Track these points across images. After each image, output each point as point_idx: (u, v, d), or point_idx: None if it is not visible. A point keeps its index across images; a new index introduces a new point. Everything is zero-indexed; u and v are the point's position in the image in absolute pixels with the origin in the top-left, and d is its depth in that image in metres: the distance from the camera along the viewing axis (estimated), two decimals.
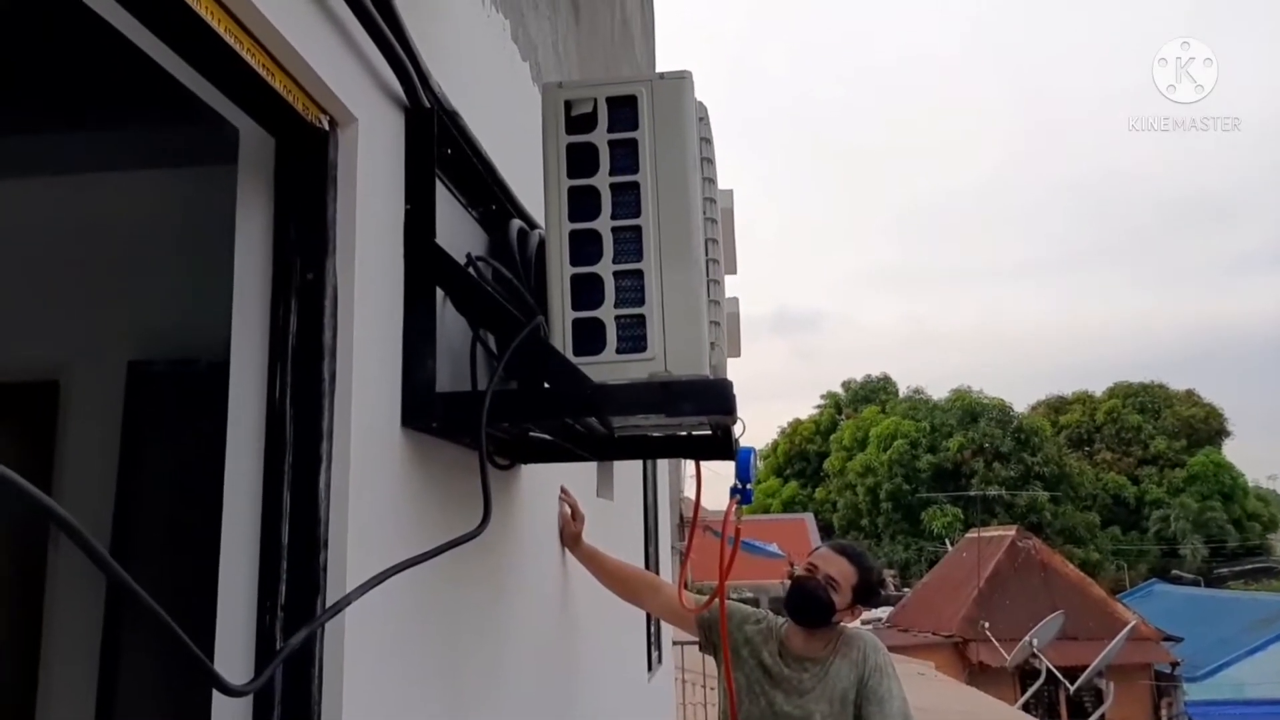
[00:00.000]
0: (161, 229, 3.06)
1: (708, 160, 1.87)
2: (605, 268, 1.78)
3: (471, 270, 1.90)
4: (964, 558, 23.39)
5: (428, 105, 1.76)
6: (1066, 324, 78.10)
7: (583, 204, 1.80)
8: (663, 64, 7.79)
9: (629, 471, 4.78)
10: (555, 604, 2.92)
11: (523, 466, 2.51)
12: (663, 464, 6.88)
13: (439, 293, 1.78)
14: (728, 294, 1.93)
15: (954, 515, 40.52)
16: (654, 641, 5.66)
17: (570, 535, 3.02)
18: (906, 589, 30.87)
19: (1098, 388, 50.18)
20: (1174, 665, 19.52)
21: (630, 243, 1.78)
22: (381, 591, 1.34)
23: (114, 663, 2.88)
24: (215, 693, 1.31)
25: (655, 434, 2.34)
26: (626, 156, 1.80)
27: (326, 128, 1.49)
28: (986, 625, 18.95)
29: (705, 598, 2.95)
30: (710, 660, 3.08)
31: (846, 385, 53.12)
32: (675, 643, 7.39)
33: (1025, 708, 16.38)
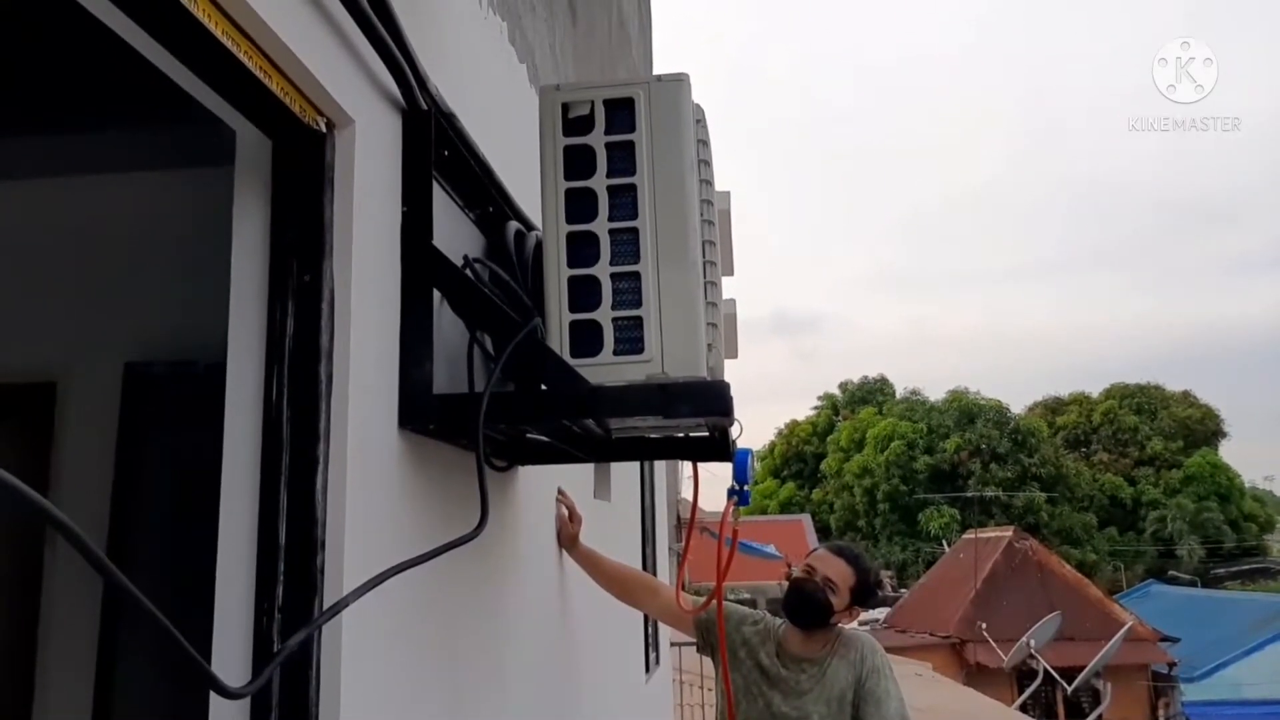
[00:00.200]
0: (159, 231, 3.06)
1: (705, 162, 1.87)
2: (602, 269, 1.78)
3: (469, 272, 1.90)
4: (961, 559, 23.40)
5: (425, 107, 1.76)
6: (1063, 325, 78.30)
7: (580, 206, 1.80)
8: (661, 66, 7.80)
9: (626, 473, 4.78)
10: (553, 605, 2.92)
11: (520, 468, 2.51)
12: (660, 465, 6.88)
13: (436, 294, 1.78)
14: (725, 296, 1.93)
15: (951, 516, 40.54)
16: (651, 643, 5.66)
17: (568, 537, 3.02)
18: (904, 590, 30.87)
19: (1094, 389, 50.30)
20: (1171, 666, 19.54)
21: (627, 245, 1.78)
22: (379, 593, 1.34)
23: (111, 666, 2.87)
24: (213, 695, 1.31)
25: (653, 435, 2.34)
26: (624, 159, 1.80)
27: (324, 130, 1.49)
28: (984, 626, 18.96)
29: (703, 599, 2.96)
30: (708, 661, 3.08)
31: (844, 387, 53.14)
32: (673, 644, 7.39)
33: (1023, 708, 16.39)
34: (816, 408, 53.10)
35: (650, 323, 1.75)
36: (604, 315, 1.77)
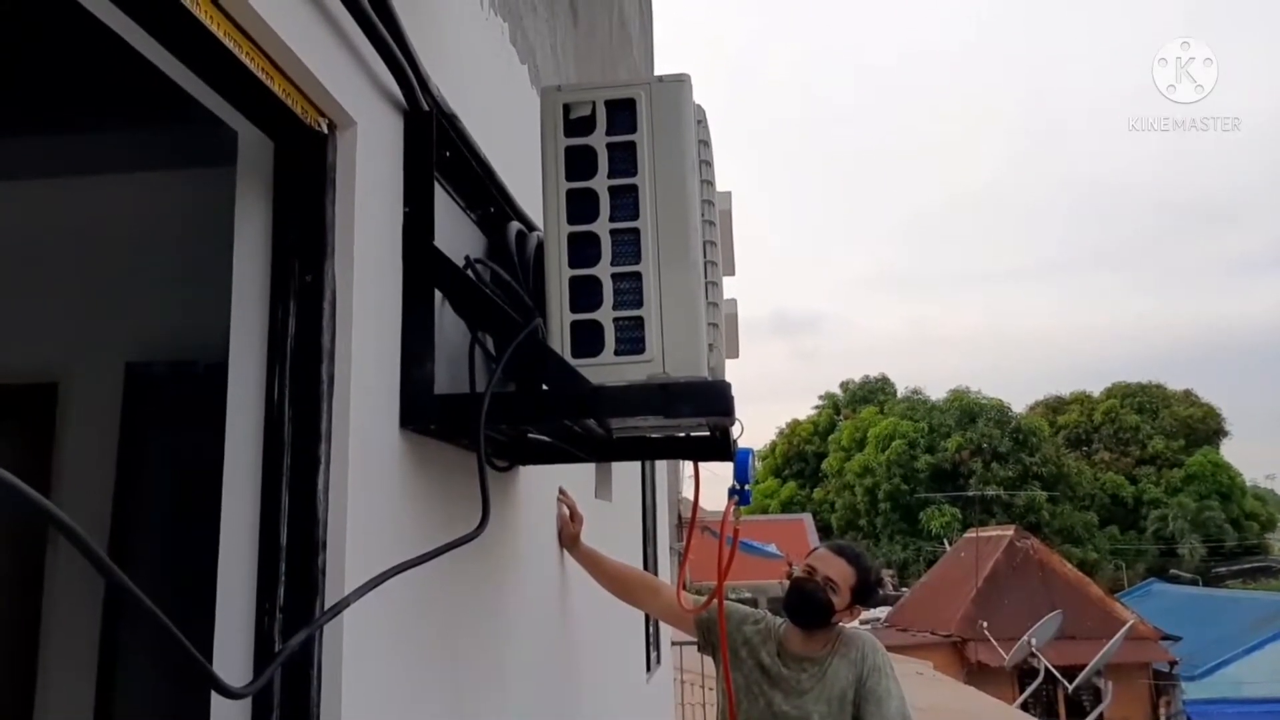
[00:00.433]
0: (160, 231, 3.06)
1: (706, 163, 1.87)
2: (604, 270, 1.78)
3: (470, 272, 1.90)
4: (962, 557, 23.40)
5: (426, 108, 1.77)
6: (1065, 324, 78.27)
7: (581, 206, 1.80)
8: (662, 66, 7.80)
9: (627, 473, 4.78)
10: (554, 605, 2.92)
11: (521, 468, 2.51)
12: (661, 465, 6.88)
13: (437, 295, 1.78)
14: (726, 295, 1.94)
15: (952, 515, 40.54)
16: (652, 642, 5.66)
17: (569, 536, 3.02)
18: (905, 589, 30.88)
19: (1096, 388, 50.32)
20: (1172, 664, 19.54)
21: (628, 245, 1.78)
22: (380, 593, 1.34)
23: (112, 666, 2.88)
24: (214, 695, 1.31)
25: (654, 435, 2.34)
26: (625, 159, 1.80)
27: (325, 131, 1.49)
28: (985, 625, 18.96)
29: (704, 598, 2.96)
30: (709, 660, 3.08)
31: (845, 386, 53.15)
32: (674, 643, 7.39)
33: (1024, 707, 16.38)
34: (818, 407, 53.12)
35: (651, 323, 1.75)
36: (605, 315, 1.77)
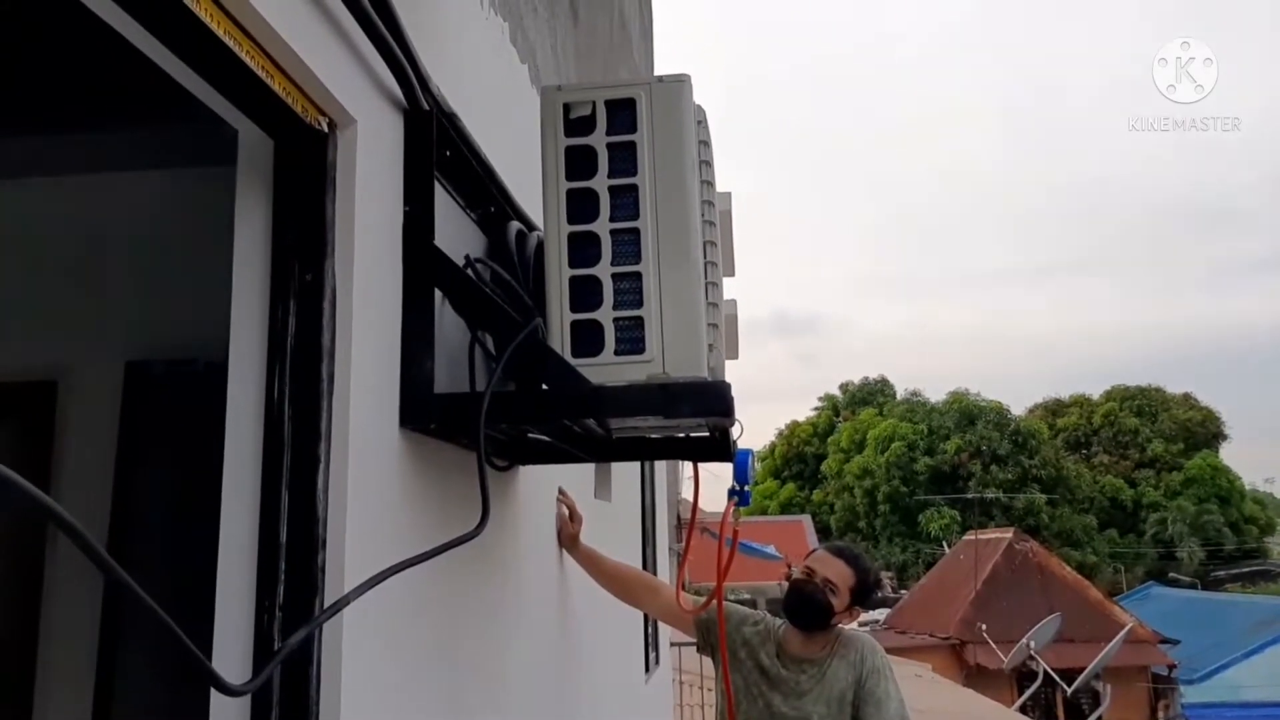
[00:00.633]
0: (160, 230, 3.06)
1: (706, 163, 1.87)
2: (604, 270, 1.78)
3: (470, 272, 1.90)
4: (961, 560, 23.40)
5: (427, 107, 1.77)
6: (1064, 327, 78.32)
7: (581, 206, 1.80)
8: (662, 66, 7.81)
9: (627, 473, 4.78)
10: (553, 605, 2.92)
11: (520, 467, 2.51)
12: (660, 465, 6.88)
13: (437, 294, 1.78)
14: (726, 296, 1.94)
15: (951, 517, 40.56)
16: (651, 643, 5.66)
17: (568, 536, 3.02)
18: (904, 591, 30.88)
19: (1095, 391, 50.35)
20: (1171, 667, 19.53)
21: (629, 245, 1.78)
22: (379, 592, 1.34)
23: (111, 663, 2.88)
24: (214, 693, 1.31)
25: (653, 436, 2.34)
26: (625, 159, 1.80)
27: (325, 129, 1.49)
28: (984, 627, 18.95)
29: (703, 599, 2.96)
30: (708, 661, 3.08)
31: (844, 388, 53.19)
32: (673, 644, 7.39)
33: (1023, 710, 16.39)
34: (817, 408, 53.16)
35: (651, 323, 1.75)
36: (605, 315, 1.77)
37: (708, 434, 2.23)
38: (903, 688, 2.80)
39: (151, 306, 3.05)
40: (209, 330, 1.71)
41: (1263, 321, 77.09)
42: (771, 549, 19.74)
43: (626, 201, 1.79)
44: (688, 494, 8.45)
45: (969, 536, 25.37)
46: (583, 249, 1.79)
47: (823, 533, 36.93)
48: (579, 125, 1.83)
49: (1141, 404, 47.46)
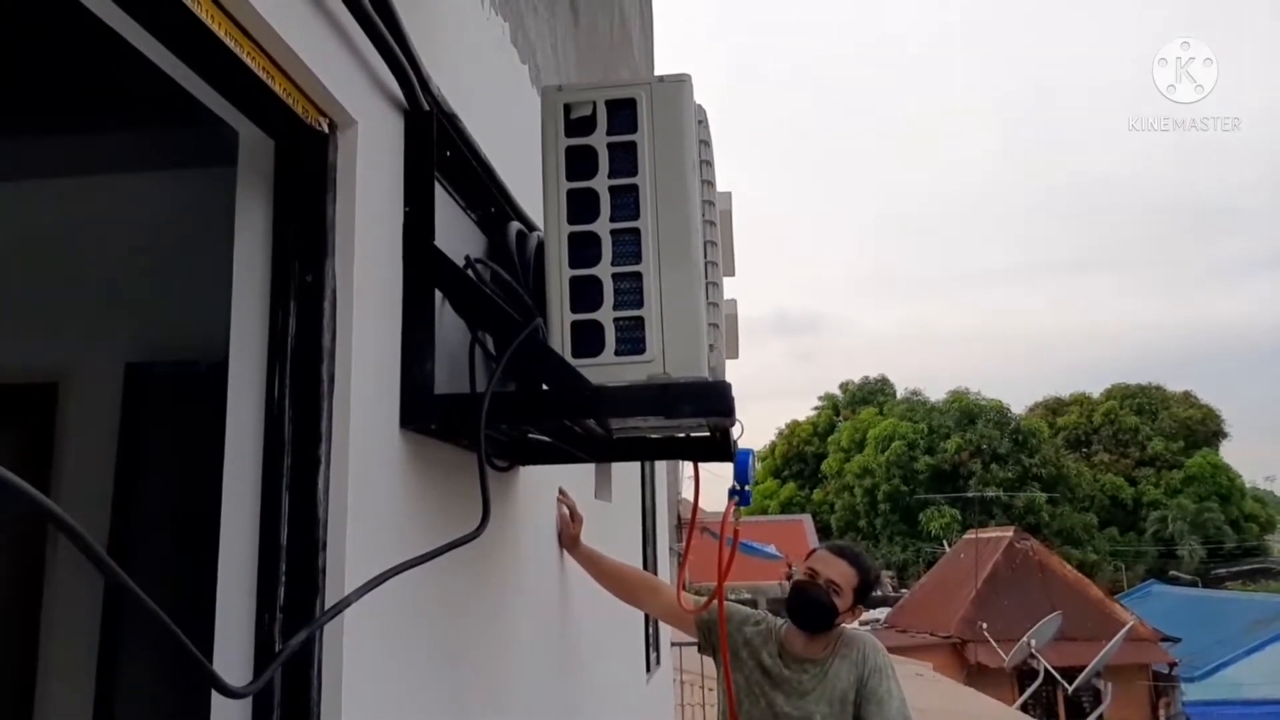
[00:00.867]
0: (160, 231, 3.06)
1: (706, 163, 1.87)
2: (604, 270, 1.78)
3: (470, 272, 1.90)
4: (962, 559, 23.40)
5: (427, 108, 1.77)
6: (1064, 325, 78.32)
7: (582, 206, 1.80)
8: (662, 66, 7.80)
9: (627, 473, 4.78)
10: (554, 605, 2.92)
11: (521, 468, 2.51)
12: (661, 466, 6.88)
13: (438, 295, 1.78)
14: (726, 296, 1.94)
15: (952, 516, 40.56)
16: (652, 643, 5.66)
17: (569, 537, 3.02)
18: (904, 590, 30.88)
19: (1095, 389, 50.33)
20: (1172, 665, 19.54)
21: (629, 245, 1.78)
22: (380, 593, 1.34)
23: (112, 666, 2.88)
24: (215, 695, 1.31)
25: (654, 436, 2.34)
26: (625, 159, 1.80)
27: (326, 130, 1.49)
28: (984, 626, 18.95)
29: (704, 599, 2.96)
30: (709, 661, 3.08)
31: (844, 387, 53.19)
32: (674, 644, 7.39)
33: (1023, 708, 16.39)
34: (817, 408, 53.15)
35: (652, 323, 1.75)
36: (605, 315, 1.77)
37: (708, 434, 2.22)
38: (904, 687, 2.80)
39: (152, 308, 3.05)
40: (209, 331, 1.71)
41: (1263, 320, 77.14)
42: (772, 549, 19.73)
43: (627, 201, 1.79)
44: (688, 494, 8.45)
45: (969, 535, 25.37)
46: (583, 249, 1.79)
47: (823, 532, 36.94)
48: (579, 125, 1.83)
49: (1142, 402, 47.46)
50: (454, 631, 1.95)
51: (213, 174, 1.78)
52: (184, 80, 1.26)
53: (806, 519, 32.14)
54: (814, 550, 2.99)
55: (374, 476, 1.55)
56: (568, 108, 1.83)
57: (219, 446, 1.44)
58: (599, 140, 1.81)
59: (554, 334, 1.78)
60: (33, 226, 3.16)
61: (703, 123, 1.88)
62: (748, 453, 2.43)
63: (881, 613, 24.47)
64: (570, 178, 1.81)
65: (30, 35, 2.23)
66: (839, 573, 2.78)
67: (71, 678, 2.89)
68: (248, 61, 1.26)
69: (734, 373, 1.98)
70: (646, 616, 4.92)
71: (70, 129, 2.90)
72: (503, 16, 2.61)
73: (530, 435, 2.26)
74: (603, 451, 2.42)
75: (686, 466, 2.93)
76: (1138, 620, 19.51)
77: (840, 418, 50.78)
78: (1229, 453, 46.40)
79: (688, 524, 3.47)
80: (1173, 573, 37.23)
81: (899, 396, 50.72)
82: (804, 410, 55.48)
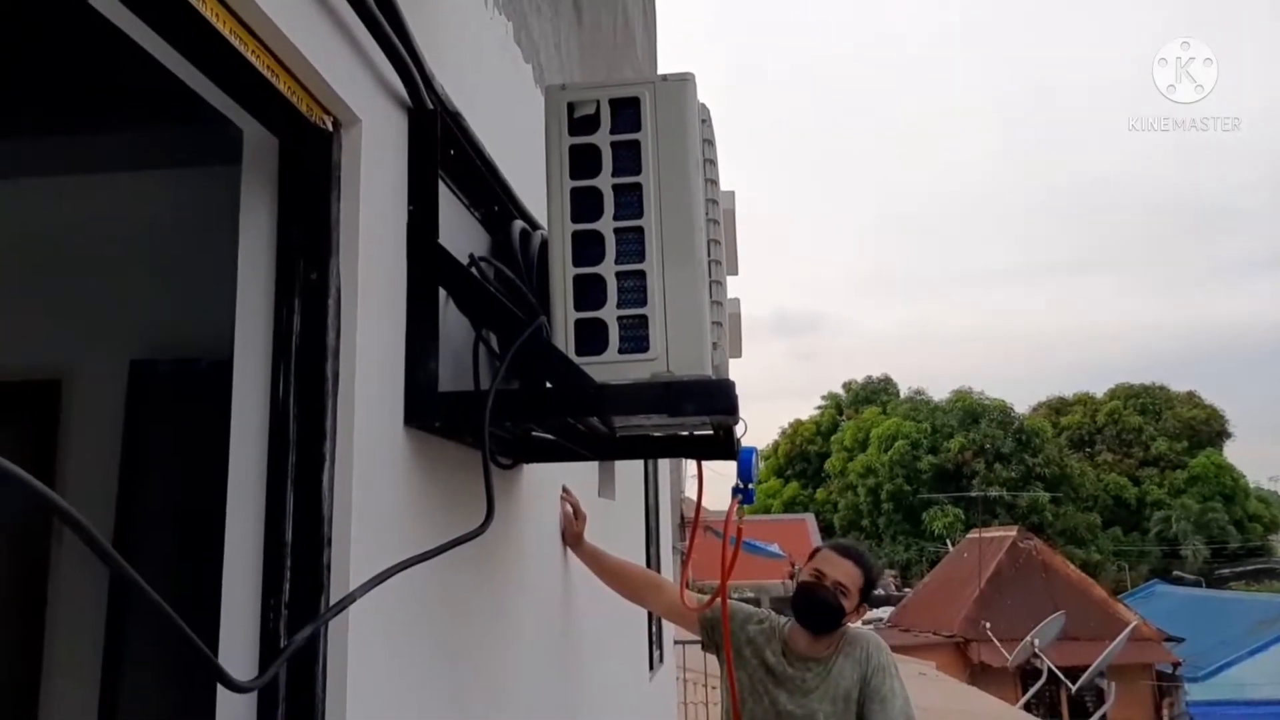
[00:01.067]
0: (165, 229, 3.07)
1: (710, 161, 1.87)
2: (608, 268, 1.78)
3: (474, 271, 1.90)
4: (965, 558, 23.39)
5: (431, 106, 1.77)
6: (1068, 325, 78.18)
7: (585, 205, 1.80)
8: (665, 65, 7.79)
9: (630, 471, 4.78)
10: (557, 603, 2.93)
11: (525, 466, 2.51)
12: (664, 464, 6.88)
13: (441, 293, 1.78)
14: (729, 295, 1.94)
15: (955, 516, 40.54)
16: (655, 641, 5.66)
17: (572, 535, 3.02)
18: (908, 589, 30.86)
19: (1099, 389, 50.29)
20: (1175, 665, 19.52)
21: (632, 243, 1.78)
22: (384, 589, 1.35)
23: (118, 661, 2.88)
24: (220, 690, 1.32)
25: (657, 434, 2.34)
26: (629, 158, 1.80)
27: (330, 129, 1.50)
28: (988, 625, 18.94)
29: (707, 597, 2.96)
30: (712, 659, 3.08)
31: (847, 386, 53.16)
32: (677, 642, 7.39)
33: (1027, 708, 16.38)
34: (820, 407, 53.14)
35: (655, 321, 1.75)
36: (609, 314, 1.77)
37: (711, 432, 2.22)
38: (907, 685, 2.80)
39: (156, 305, 3.05)
40: (214, 329, 1.71)
41: (1266, 320, 76.92)
42: (775, 548, 19.71)
43: (630, 200, 1.79)
44: (691, 493, 8.46)
45: (973, 535, 25.36)
46: (587, 248, 1.79)
47: (826, 531, 36.94)
48: (583, 124, 1.83)
49: (1145, 402, 47.40)
50: (457, 628, 1.95)
51: (217, 172, 1.78)
52: (188, 78, 1.27)
53: (810, 518, 32.14)
54: (818, 549, 2.98)
55: (378, 474, 1.55)
56: (571, 106, 1.84)
57: (223, 444, 1.44)
58: (603, 139, 1.81)
59: (558, 332, 1.79)
60: (37, 224, 3.17)
61: (706, 122, 1.88)
62: (751, 451, 2.43)
63: (885, 612, 24.46)
64: (574, 176, 1.81)
65: (34, 33, 2.23)
66: (846, 574, 2.78)
67: (76, 674, 2.90)
68: (252, 60, 1.26)
69: (736, 372, 1.98)
70: (650, 614, 4.93)
71: (75, 127, 2.90)
72: (506, 16, 2.61)
73: (534, 433, 2.26)
74: (606, 450, 2.42)
75: (690, 465, 2.93)
76: (1141, 620, 19.49)
77: (843, 417, 50.77)
78: (1233, 453, 46.39)
79: (691, 522, 3.47)
80: (1176, 573, 37.18)
81: (902, 396, 50.70)
82: (807, 410, 55.53)
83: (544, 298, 1.85)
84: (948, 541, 35.35)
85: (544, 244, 1.99)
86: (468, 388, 1.88)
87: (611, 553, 3.18)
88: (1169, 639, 19.88)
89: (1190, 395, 47.99)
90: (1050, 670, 16.74)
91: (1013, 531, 23.52)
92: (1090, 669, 16.60)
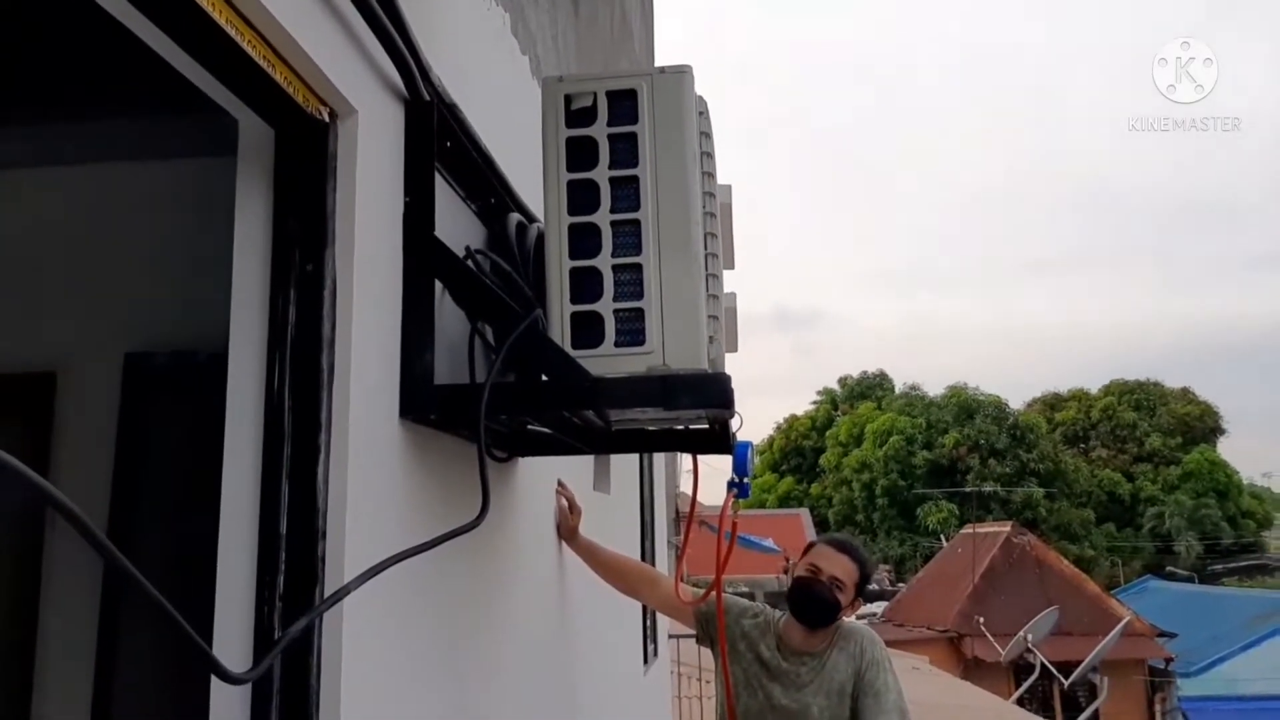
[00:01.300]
0: (160, 220, 3.06)
1: (707, 155, 1.87)
2: (604, 261, 1.78)
3: (470, 263, 1.90)
4: (959, 553, 23.45)
5: (428, 98, 1.76)
6: (1063, 321, 78.34)
7: (582, 197, 1.80)
8: (663, 58, 7.78)
9: (626, 465, 4.78)
10: (552, 596, 2.93)
11: (520, 459, 2.51)
12: (659, 458, 6.88)
13: (438, 285, 1.78)
14: (726, 289, 1.94)
15: (949, 511, 40.62)
16: (650, 634, 5.66)
17: (567, 528, 3.02)
18: (902, 584, 30.93)
19: (1093, 385, 50.36)
20: (1168, 661, 19.59)
21: (629, 236, 1.78)
22: (379, 582, 1.35)
23: (112, 652, 2.88)
24: (214, 682, 1.31)
25: (652, 428, 2.34)
26: (626, 150, 1.80)
27: (326, 119, 1.49)
28: (981, 620, 19.00)
29: (702, 591, 2.96)
30: (707, 653, 3.08)
31: (843, 381, 53.19)
32: (671, 636, 7.40)
33: (1020, 702, 16.44)
34: (816, 402, 53.17)
35: (651, 314, 1.75)
36: (605, 307, 1.77)
37: (707, 426, 2.22)
38: (901, 680, 2.80)
39: (151, 297, 3.04)
40: (209, 321, 1.71)
41: (1261, 317, 77.25)
42: (769, 542, 19.78)
43: (627, 193, 1.79)
44: (686, 487, 8.46)
45: (967, 530, 25.40)
46: (583, 240, 1.79)
47: (821, 525, 36.95)
48: (580, 116, 1.82)
49: (1140, 398, 47.50)
50: (452, 620, 1.95)
51: (213, 163, 1.78)
52: (184, 69, 1.26)
53: (804, 513, 32.19)
54: (813, 544, 2.98)
55: (373, 466, 1.55)
56: (568, 98, 1.83)
57: (218, 436, 1.44)
58: (599, 131, 1.81)
59: (554, 325, 1.78)
60: (31, 215, 3.16)
61: (703, 114, 1.88)
62: (746, 445, 2.43)
63: (879, 606, 24.51)
64: (571, 168, 1.81)
65: (29, 23, 2.22)
66: (842, 569, 2.78)
67: (70, 665, 2.89)
68: (248, 50, 1.26)
69: (732, 366, 1.98)
70: (644, 608, 4.93)
71: (70, 117, 2.89)
72: (503, 8, 2.60)
73: (529, 426, 2.26)
74: (602, 443, 2.42)
75: (685, 459, 2.94)
76: (1134, 615, 19.55)
77: (839, 412, 50.79)
78: (1226, 449, 46.54)
79: (686, 517, 3.47)
80: (1169, 568, 37.29)
81: (897, 391, 50.74)
82: (802, 404, 55.61)
83: (540, 290, 1.85)
84: (942, 537, 35.42)
85: (540, 236, 1.99)
86: (463, 380, 1.88)
87: (606, 547, 3.18)
88: (1162, 634, 19.95)
89: (1184, 391, 48.10)
90: (1043, 665, 16.81)
91: (1007, 527, 23.59)
92: (1083, 664, 16.67)
